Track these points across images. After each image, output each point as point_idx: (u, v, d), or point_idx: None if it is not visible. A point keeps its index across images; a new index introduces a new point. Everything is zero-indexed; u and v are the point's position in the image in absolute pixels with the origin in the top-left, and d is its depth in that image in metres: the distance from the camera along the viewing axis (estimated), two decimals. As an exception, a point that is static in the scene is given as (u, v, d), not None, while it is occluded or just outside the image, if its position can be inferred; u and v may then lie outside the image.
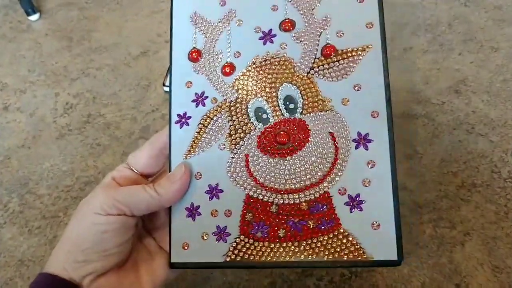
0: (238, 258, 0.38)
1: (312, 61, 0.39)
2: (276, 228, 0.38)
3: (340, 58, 0.38)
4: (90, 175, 0.70)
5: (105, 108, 0.78)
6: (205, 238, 0.39)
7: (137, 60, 0.85)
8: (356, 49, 0.38)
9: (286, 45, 0.40)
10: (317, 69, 0.39)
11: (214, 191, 0.39)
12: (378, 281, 0.55)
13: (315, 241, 0.37)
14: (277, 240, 0.37)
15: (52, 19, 0.97)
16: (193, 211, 0.39)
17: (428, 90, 0.75)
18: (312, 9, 0.39)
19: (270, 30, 0.40)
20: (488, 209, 0.60)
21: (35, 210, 0.67)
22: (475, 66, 0.77)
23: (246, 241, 0.38)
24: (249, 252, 0.38)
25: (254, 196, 0.38)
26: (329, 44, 0.39)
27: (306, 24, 0.39)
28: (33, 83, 0.84)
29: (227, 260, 0.38)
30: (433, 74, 0.77)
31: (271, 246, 0.37)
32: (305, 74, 0.39)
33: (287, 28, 0.40)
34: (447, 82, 0.75)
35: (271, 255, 0.37)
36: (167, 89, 0.78)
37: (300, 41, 0.39)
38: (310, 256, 0.37)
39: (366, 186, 0.37)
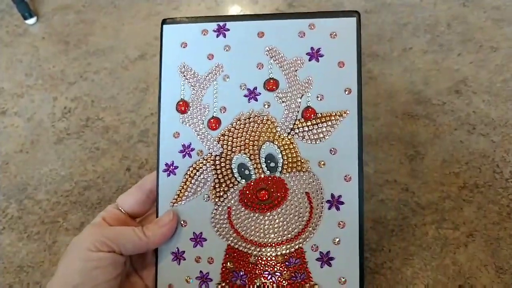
0: None
1: (293, 123, 0.41)
2: (253, 277, 0.41)
3: (319, 121, 0.41)
4: (89, 180, 0.69)
5: (103, 112, 0.78)
6: (189, 281, 0.41)
7: (134, 64, 0.85)
8: (334, 114, 0.40)
9: (269, 104, 0.42)
10: (297, 131, 0.41)
11: (198, 239, 0.42)
12: (382, 284, 0.54)
13: None
14: None
15: (49, 23, 0.97)
16: (178, 256, 0.42)
17: (429, 90, 0.74)
18: (296, 71, 0.41)
19: (255, 88, 0.42)
20: (490, 209, 0.59)
21: (34, 216, 0.66)
22: (474, 66, 0.77)
23: (226, 287, 0.41)
24: None
25: (235, 247, 0.41)
26: (309, 107, 0.41)
27: (289, 85, 0.41)
28: (30, 87, 0.83)
29: None
30: (433, 74, 0.77)
31: None
32: (286, 135, 0.41)
33: (270, 87, 0.42)
34: (447, 82, 0.75)
35: None
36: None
37: (283, 102, 0.41)
38: None
39: (336, 244, 0.40)
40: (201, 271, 0.41)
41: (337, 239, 0.40)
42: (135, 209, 0.43)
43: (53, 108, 0.80)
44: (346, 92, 0.40)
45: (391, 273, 0.55)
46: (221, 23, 0.43)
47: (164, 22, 0.44)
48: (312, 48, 0.41)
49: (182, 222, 0.42)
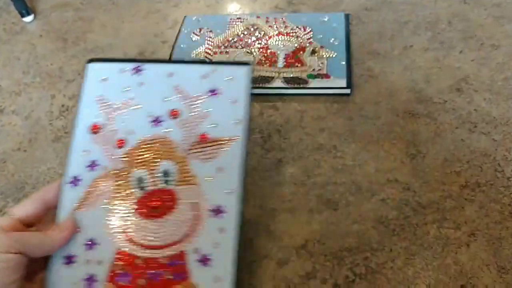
0: None
1: (190, 145, 0.49)
2: (138, 277, 0.45)
3: (211, 145, 0.48)
4: (88, 179, 0.69)
5: (102, 110, 0.77)
6: (77, 283, 0.45)
7: (134, 61, 0.84)
8: (224, 139, 0.48)
9: (171, 130, 0.49)
10: (192, 152, 0.49)
11: (90, 244, 0.46)
12: (383, 284, 0.54)
13: None
14: None
15: (47, 20, 0.96)
16: (70, 259, 0.45)
17: (430, 88, 0.74)
18: (197, 104, 0.50)
19: (160, 116, 0.50)
20: (492, 208, 0.59)
21: (32, 215, 0.66)
22: (476, 64, 0.77)
23: (112, 286, 0.45)
24: None
25: (124, 250, 0.46)
26: (205, 133, 0.49)
27: (190, 115, 0.50)
28: (28, 85, 0.83)
29: None
30: (434, 72, 0.76)
31: None
32: (182, 155, 0.49)
33: (173, 116, 0.50)
34: (449, 80, 0.75)
35: None
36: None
37: (183, 128, 0.49)
38: None
39: (215, 248, 0.45)
40: (89, 273, 0.45)
41: (217, 243, 0.45)
42: (31, 218, 0.46)
43: (51, 106, 0.79)
44: (236, 123, 0.49)
45: (393, 273, 0.54)
46: (138, 64, 0.52)
47: (89, 61, 0.53)
48: (212, 88, 0.51)
49: (78, 228, 0.46)
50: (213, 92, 0.51)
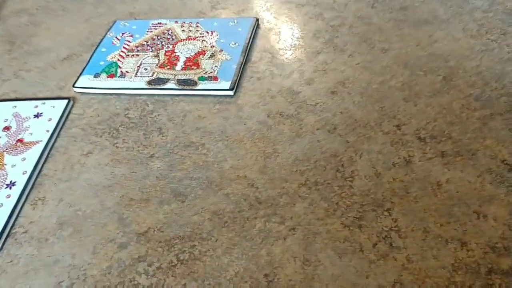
0: None
1: (9, 146, 0.77)
2: None
3: (23, 145, 0.77)
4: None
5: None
6: None
7: (62, 63, 0.94)
8: (33, 142, 0.77)
9: (0, 138, 0.78)
10: (8, 150, 0.76)
11: None
12: (199, 269, 0.60)
13: None
14: None
15: (5, 25, 1.08)
16: None
17: (308, 91, 0.78)
18: (24, 123, 0.80)
19: None
20: (320, 206, 0.63)
21: None
22: (359, 67, 0.80)
23: None
24: None
25: None
26: (22, 138, 0.78)
27: (16, 129, 0.80)
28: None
29: None
30: (318, 75, 0.80)
31: None
32: (1, 152, 0.76)
33: (6, 130, 0.80)
34: (329, 83, 0.78)
35: None
36: (77, 90, 0.86)
37: (8, 137, 0.78)
38: None
39: (0, 207, 0.69)
40: None
41: (2, 204, 0.69)
42: None
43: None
44: (46, 132, 0.78)
45: (211, 260, 0.60)
46: None
47: None
48: (38, 112, 0.82)
49: None
50: (38, 115, 0.82)
